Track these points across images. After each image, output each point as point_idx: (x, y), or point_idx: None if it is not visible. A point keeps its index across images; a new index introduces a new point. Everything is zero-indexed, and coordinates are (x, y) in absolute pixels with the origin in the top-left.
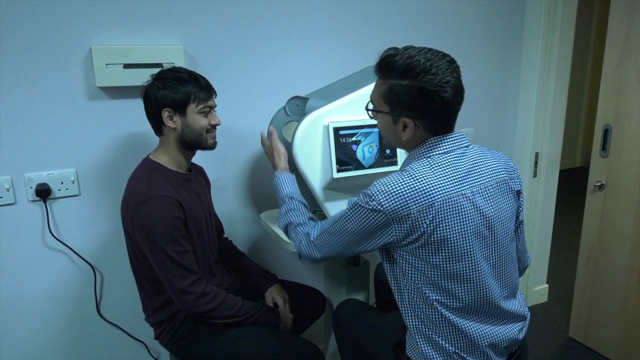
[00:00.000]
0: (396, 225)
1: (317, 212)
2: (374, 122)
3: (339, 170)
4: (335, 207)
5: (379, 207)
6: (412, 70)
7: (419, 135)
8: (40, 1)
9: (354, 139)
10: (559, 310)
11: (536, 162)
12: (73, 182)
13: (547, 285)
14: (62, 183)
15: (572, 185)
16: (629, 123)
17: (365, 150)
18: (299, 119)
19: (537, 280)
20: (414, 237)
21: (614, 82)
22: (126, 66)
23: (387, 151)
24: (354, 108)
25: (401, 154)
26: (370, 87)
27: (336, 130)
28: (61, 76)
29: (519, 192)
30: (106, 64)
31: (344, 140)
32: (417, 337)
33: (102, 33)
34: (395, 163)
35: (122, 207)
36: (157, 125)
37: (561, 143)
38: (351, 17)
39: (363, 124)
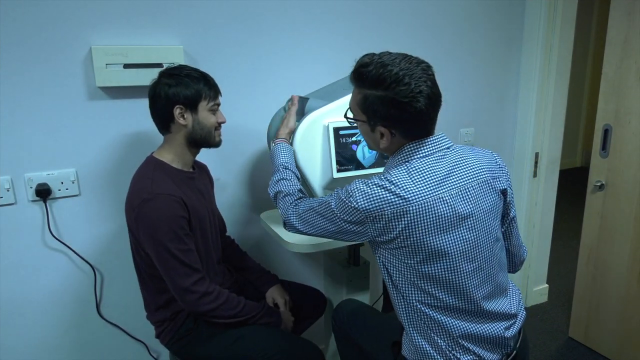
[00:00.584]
0: (370, 224)
1: None
2: None
3: (339, 170)
4: None
5: (355, 204)
6: (384, 81)
7: (396, 142)
8: (41, 1)
9: (354, 139)
10: (559, 310)
11: (536, 162)
12: (73, 182)
13: (547, 285)
14: (62, 183)
15: (572, 185)
16: (629, 123)
17: (365, 150)
18: (299, 119)
19: (537, 280)
20: (388, 237)
21: (614, 82)
22: (126, 66)
23: None
24: None
25: None
26: None
27: (336, 130)
28: (61, 76)
29: (504, 191)
30: (106, 64)
31: (344, 140)
32: (412, 333)
33: (102, 33)
34: None
35: (126, 206)
36: (166, 122)
37: (561, 143)
38: (352, 17)
39: None
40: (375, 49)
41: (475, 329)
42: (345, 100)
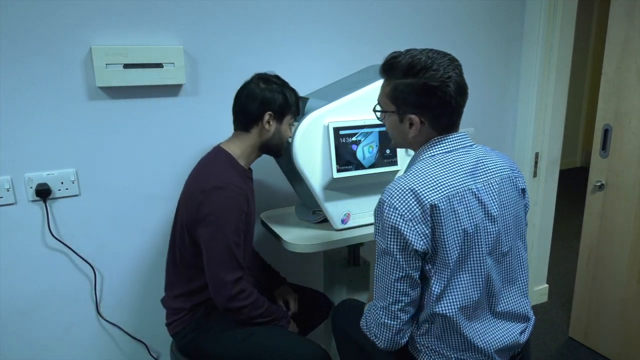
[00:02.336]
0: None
1: (317, 212)
2: (374, 122)
3: (339, 170)
4: (335, 207)
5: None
6: (414, 68)
7: (425, 132)
8: (41, 1)
9: (354, 139)
10: (559, 310)
11: (536, 162)
12: (73, 182)
13: (547, 285)
14: (62, 183)
15: (572, 185)
16: (629, 123)
17: (365, 150)
18: (299, 119)
19: (537, 280)
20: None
21: (614, 82)
22: (126, 66)
23: (387, 151)
24: (354, 108)
25: (401, 154)
26: (370, 87)
27: (336, 130)
28: (61, 76)
29: (523, 190)
30: (106, 64)
31: (344, 140)
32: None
33: (102, 33)
34: (395, 163)
35: (191, 188)
36: (250, 123)
37: (561, 143)
38: (351, 17)
39: (363, 124)
40: (375, 48)
41: (493, 333)
42: (346, 100)
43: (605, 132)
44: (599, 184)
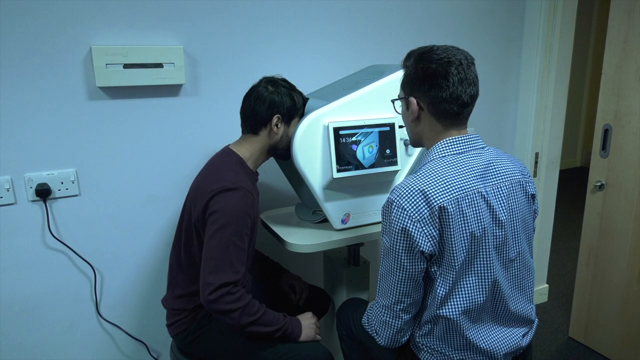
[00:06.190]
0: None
1: (317, 212)
2: (374, 122)
3: (339, 170)
4: (335, 207)
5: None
6: (425, 54)
7: (427, 121)
8: (41, 1)
9: (354, 139)
10: (559, 310)
11: (536, 162)
12: (73, 182)
13: (547, 285)
14: (62, 183)
15: (572, 185)
16: (629, 123)
17: (365, 150)
18: (299, 119)
19: (537, 280)
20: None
21: (614, 82)
22: (126, 66)
23: (387, 151)
24: (354, 108)
25: (401, 154)
26: (370, 87)
27: (336, 130)
28: (61, 76)
29: (533, 196)
30: (106, 64)
31: (344, 140)
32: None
33: (102, 33)
34: (395, 163)
35: (200, 187)
36: (258, 125)
37: (561, 143)
38: (351, 17)
39: (363, 124)
40: (374, 48)
41: (498, 338)
42: (346, 100)
43: (605, 132)
44: (599, 184)
